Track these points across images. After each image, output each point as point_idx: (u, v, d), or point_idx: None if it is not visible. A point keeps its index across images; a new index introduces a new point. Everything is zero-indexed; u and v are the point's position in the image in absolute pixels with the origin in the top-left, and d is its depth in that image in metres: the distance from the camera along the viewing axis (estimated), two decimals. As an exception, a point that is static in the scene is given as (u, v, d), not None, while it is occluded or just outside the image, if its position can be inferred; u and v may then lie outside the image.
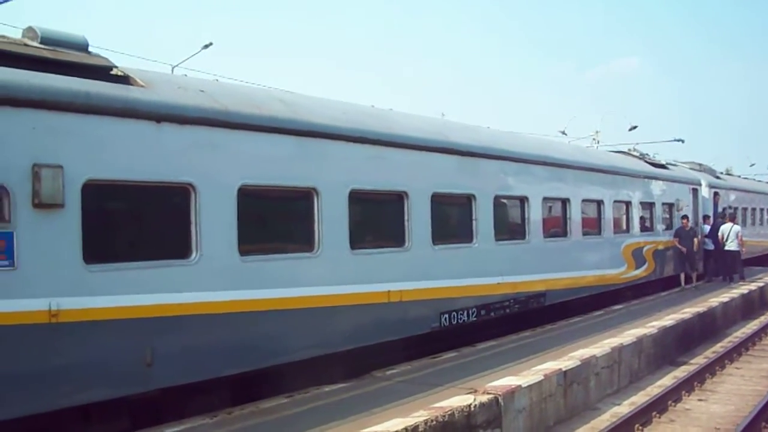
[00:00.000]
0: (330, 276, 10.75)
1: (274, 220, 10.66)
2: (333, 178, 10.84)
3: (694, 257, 24.33)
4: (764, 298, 24.96)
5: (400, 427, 7.96)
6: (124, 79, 8.68)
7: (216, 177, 9.20)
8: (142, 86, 8.67)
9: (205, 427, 8.41)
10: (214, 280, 9.15)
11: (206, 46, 33.04)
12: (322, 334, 10.64)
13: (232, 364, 9.33)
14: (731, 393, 13.09)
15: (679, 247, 23.33)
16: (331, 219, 10.69)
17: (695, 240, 23.93)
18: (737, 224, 25.63)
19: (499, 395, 9.47)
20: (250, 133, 9.70)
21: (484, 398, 9.26)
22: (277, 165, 10.13)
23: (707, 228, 26.26)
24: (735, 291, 22.60)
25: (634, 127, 41.51)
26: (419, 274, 12.47)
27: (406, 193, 12.18)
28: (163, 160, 8.69)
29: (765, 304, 24.55)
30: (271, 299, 9.80)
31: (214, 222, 9.10)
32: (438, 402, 9.08)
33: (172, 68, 27.96)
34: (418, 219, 12.36)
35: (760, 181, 48.35)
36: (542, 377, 10.60)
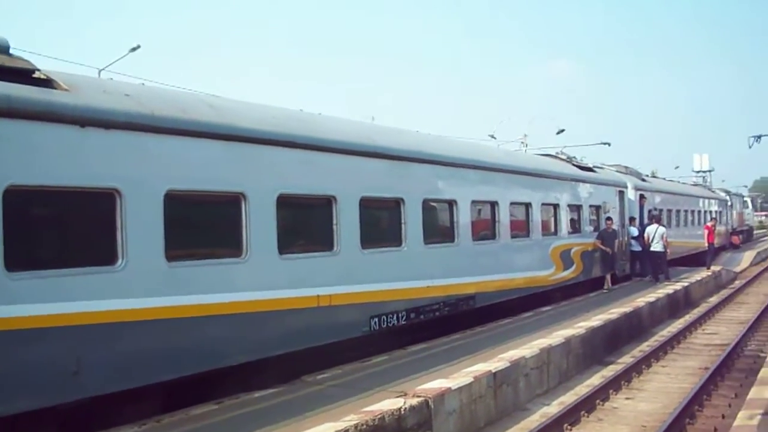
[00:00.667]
0: (259, 281, 10.78)
1: (202, 225, 10.64)
2: (261, 183, 10.89)
3: (615, 258, 24.94)
4: (689, 298, 25.76)
5: (330, 432, 8.04)
6: (47, 83, 8.59)
7: (142, 182, 9.18)
8: (65, 90, 8.60)
9: (133, 435, 8.42)
10: (141, 286, 9.13)
11: (133, 49, 32.64)
12: (252, 340, 10.68)
13: (161, 371, 9.30)
14: (658, 391, 13.50)
15: (602, 248, 23.84)
16: (260, 224, 10.73)
17: (616, 241, 24.48)
18: (663, 226, 26.28)
19: (429, 398, 9.63)
20: (177, 137, 9.71)
21: (415, 401, 9.41)
22: (204, 170, 10.14)
23: (634, 230, 26.90)
24: (661, 291, 23.24)
25: (562, 131, 42.37)
26: (349, 278, 12.58)
27: (334, 198, 12.27)
28: (87, 165, 8.64)
29: (690, 304, 25.36)
30: (200, 305, 9.80)
31: (141, 228, 9.08)
32: (369, 406, 9.20)
33: (99, 72, 27.53)
34: (347, 223, 12.46)
35: (684, 183, 49.61)
36: (472, 379, 10.78)
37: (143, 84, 11.36)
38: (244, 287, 10.53)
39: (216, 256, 10.33)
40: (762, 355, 15.87)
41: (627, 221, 27.69)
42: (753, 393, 10.95)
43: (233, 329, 10.31)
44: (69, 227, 8.89)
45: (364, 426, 8.43)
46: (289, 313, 11.22)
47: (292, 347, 11.32)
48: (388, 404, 9.23)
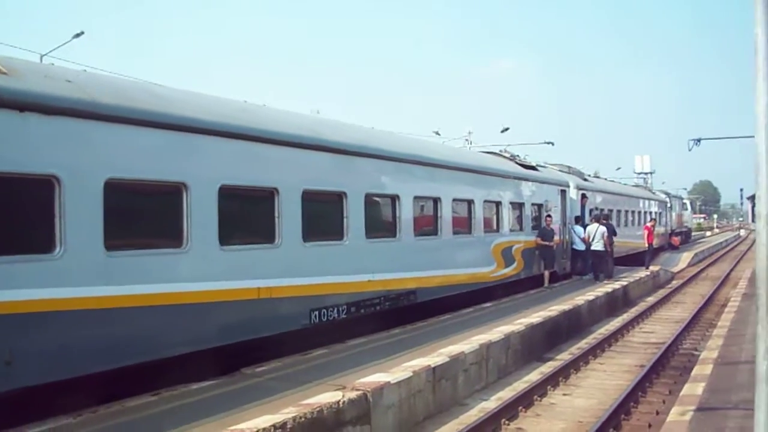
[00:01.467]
0: (199, 272, 10.79)
1: (143, 214, 10.61)
2: (203, 173, 10.89)
3: (555, 256, 25.41)
4: (628, 297, 26.36)
5: (268, 424, 8.16)
6: (-16, 66, 8.52)
7: (82, 170, 9.14)
8: (4, 73, 8.53)
9: (69, 426, 8.39)
10: (79, 275, 9.09)
11: (77, 35, 32.08)
12: (192, 331, 10.69)
13: (98, 361, 9.25)
14: (594, 387, 13.84)
15: (543, 243, 24.26)
16: (201, 214, 10.74)
17: (555, 239, 24.90)
18: (603, 225, 26.75)
19: (368, 391, 9.77)
20: (118, 125, 9.67)
21: (353, 394, 9.56)
22: (145, 159, 10.12)
23: (579, 228, 27.35)
24: (600, 290, 23.76)
25: (507, 129, 42.78)
26: (290, 270, 12.64)
27: (276, 190, 12.32)
28: (26, 150, 8.58)
29: (628, 303, 25.95)
30: (139, 295, 9.79)
31: (79, 216, 9.03)
32: (307, 399, 9.29)
33: (41, 57, 27.04)
34: (289, 216, 12.51)
35: (625, 184, 50.45)
36: (411, 373, 10.94)
37: (85, 71, 11.27)
38: (185, 278, 10.53)
39: (156, 246, 10.32)
40: (696, 353, 16.29)
41: (572, 220, 28.26)
42: (686, 390, 11.27)
43: (172, 320, 10.30)
44: (5, 214, 8.72)
45: (303, 419, 8.53)
46: (229, 304, 11.25)
47: (232, 339, 11.35)
48: (326, 397, 9.34)
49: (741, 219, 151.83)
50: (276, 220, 12.31)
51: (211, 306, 10.92)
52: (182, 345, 10.45)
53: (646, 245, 34.63)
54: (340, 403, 9.21)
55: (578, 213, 29.21)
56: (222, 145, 11.34)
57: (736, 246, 78.88)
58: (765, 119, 5.71)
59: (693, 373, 12.64)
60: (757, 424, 5.75)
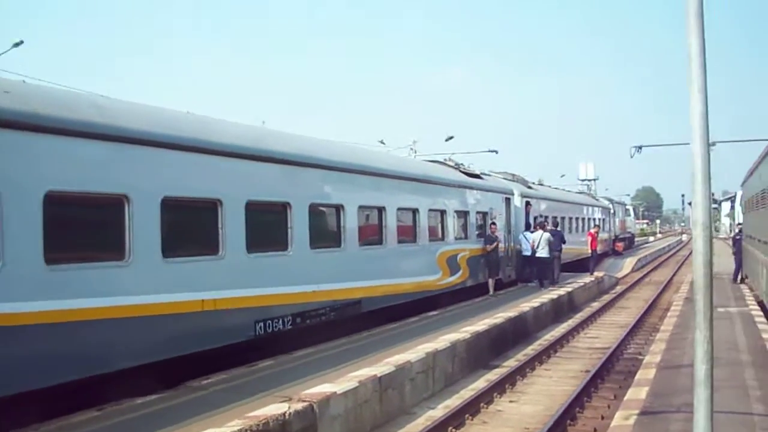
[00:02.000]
0: (142, 285, 10.74)
1: (84, 227, 10.53)
2: (146, 185, 10.87)
3: (500, 264, 25.73)
4: (573, 303, 26.77)
5: (214, 438, 8.15)
6: None
7: (21, 182, 9.07)
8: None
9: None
10: (18, 289, 8.98)
11: (17, 45, 31.50)
12: (136, 345, 10.62)
13: (40, 377, 9.16)
14: (540, 393, 14.05)
15: (488, 247, 24.55)
16: (143, 227, 10.70)
17: (500, 246, 25.17)
18: (549, 231, 27.11)
19: (315, 402, 9.82)
20: (59, 137, 9.62)
21: (299, 406, 9.59)
22: (87, 171, 10.06)
23: (529, 236, 27.62)
24: (546, 296, 24.11)
25: (451, 138, 43.04)
26: (234, 282, 12.63)
27: (220, 201, 12.32)
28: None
29: (573, 309, 26.36)
30: (81, 309, 9.70)
31: (19, 229, 8.94)
32: (253, 411, 9.30)
33: (-23, 68, 26.42)
34: (233, 227, 12.52)
35: (569, 191, 51.11)
36: (357, 383, 11.01)
37: (24, 81, 11.16)
38: (127, 291, 10.47)
39: (98, 259, 10.25)
40: (640, 357, 16.57)
41: (519, 227, 28.78)
42: (630, 394, 11.48)
43: (116, 334, 10.22)
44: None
45: (249, 431, 8.56)
46: (173, 317, 11.21)
47: (177, 352, 11.31)
48: (272, 409, 9.36)
49: (683, 224, 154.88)
50: (220, 231, 12.29)
51: (155, 319, 10.87)
52: (126, 359, 10.38)
53: (590, 251, 35.15)
54: (286, 414, 9.24)
55: (523, 220, 29.58)
56: (165, 156, 11.32)
57: (678, 251, 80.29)
58: (700, 128, 5.92)
59: (637, 377, 12.86)
60: (696, 426, 5.95)
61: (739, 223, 34.90)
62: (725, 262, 32.07)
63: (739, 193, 40.24)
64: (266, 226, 14.17)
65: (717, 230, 54.15)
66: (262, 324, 13.19)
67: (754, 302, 22.58)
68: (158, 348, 11.01)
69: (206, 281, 11.98)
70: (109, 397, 9.99)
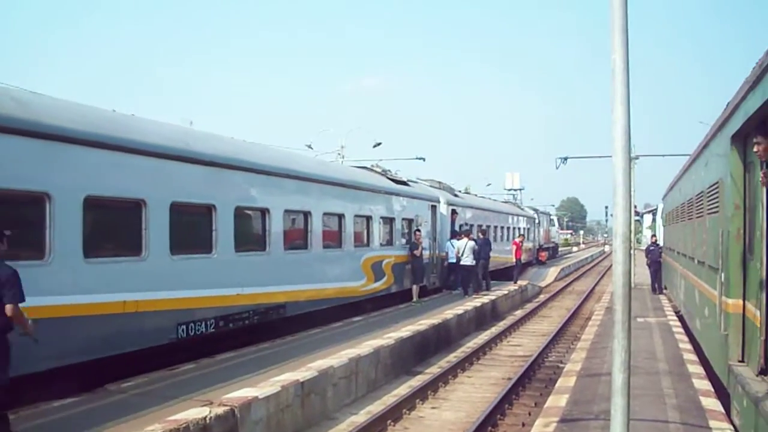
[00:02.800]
0: (62, 285, 10.64)
1: (3, 225, 10.35)
2: (67, 183, 10.78)
3: (423, 270, 25.98)
4: (496, 311, 27.14)
5: (132, 442, 8.15)
6: None
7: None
8: None
9: None
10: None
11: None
12: (54, 346, 10.38)
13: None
14: (462, 400, 14.26)
15: (415, 253, 24.84)
16: (65, 226, 10.63)
17: (425, 253, 25.33)
18: (473, 240, 27.44)
19: (236, 407, 9.86)
20: (-24, 132, 9.46)
21: (220, 410, 9.62)
22: (5, 168, 9.92)
23: (455, 243, 27.82)
24: (469, 304, 24.41)
25: (379, 144, 43.19)
26: (157, 284, 12.59)
27: (144, 201, 12.28)
28: None
29: (497, 316, 26.73)
30: (-3, 309, 9.54)
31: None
32: (173, 415, 9.31)
33: None
34: (157, 228, 12.48)
35: (495, 200, 51.72)
36: (280, 388, 11.08)
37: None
38: (47, 291, 10.30)
39: (16, 258, 10.02)
40: (561, 365, 16.93)
41: (448, 235, 29.18)
42: (550, 401, 11.69)
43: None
44: None
45: (168, 435, 8.56)
46: (93, 319, 11.12)
47: (96, 354, 11.24)
48: (193, 413, 9.37)
49: (606, 235, 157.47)
50: (143, 232, 12.25)
51: (75, 320, 10.77)
52: (43, 361, 10.19)
53: (515, 260, 35.65)
54: (207, 419, 9.26)
55: (448, 228, 29.89)
56: (88, 154, 11.24)
57: (600, 261, 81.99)
58: (622, 141, 6.12)
59: (557, 385, 13.10)
60: (613, 433, 6.13)
61: (653, 235, 35.79)
62: (647, 273, 32.82)
63: (660, 207, 41.22)
64: (191, 228, 14.12)
65: (639, 242, 55.36)
66: (184, 327, 13.15)
67: (672, 313, 23.19)
68: (77, 350, 10.91)
69: (128, 282, 11.90)
70: (25, 400, 9.85)
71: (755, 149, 8.63)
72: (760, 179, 8.55)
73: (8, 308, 7.75)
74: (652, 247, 31.88)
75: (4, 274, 7.84)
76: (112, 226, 12.42)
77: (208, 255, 14.07)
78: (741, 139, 9.74)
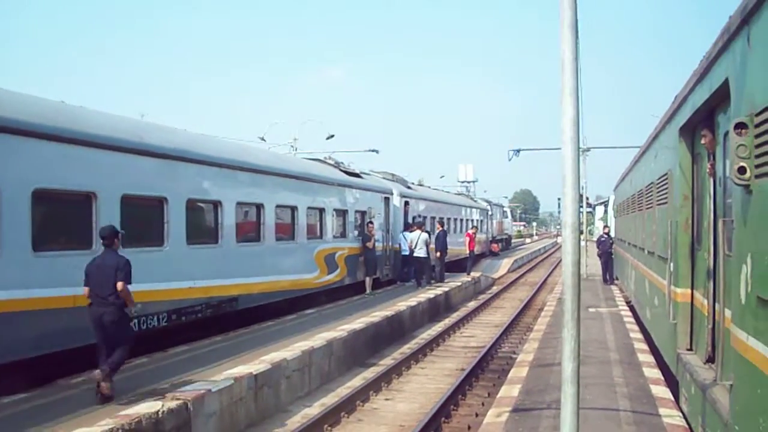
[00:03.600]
0: (10, 279, 10.54)
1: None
2: (15, 176, 10.70)
3: (375, 262, 26.19)
4: (450, 302, 27.38)
5: (84, 437, 8.12)
6: None
7: None
8: None
9: None
10: None
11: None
12: (2, 341, 10.38)
13: None
14: (416, 392, 14.41)
15: (367, 246, 25.01)
16: (12, 219, 10.56)
17: (367, 244, 25.47)
18: (426, 232, 27.60)
19: (189, 400, 9.89)
20: None
21: (173, 404, 9.65)
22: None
23: (408, 235, 28.01)
24: (422, 295, 24.61)
25: (332, 136, 43.14)
26: (108, 277, 12.43)
27: (94, 194, 12.22)
28: None
29: (450, 308, 26.97)
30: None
31: None
32: (125, 410, 9.30)
33: None
34: (107, 220, 12.25)
35: (448, 192, 51.95)
36: (233, 381, 11.14)
37: None
38: (-4, 285, 10.24)
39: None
40: (514, 356, 17.14)
41: (401, 227, 29.43)
42: (502, 392, 11.88)
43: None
44: None
45: (120, 430, 8.57)
46: (43, 313, 11.05)
47: (47, 349, 11.17)
48: (145, 407, 9.38)
49: (558, 227, 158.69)
50: (93, 225, 12.15)
51: (24, 315, 10.70)
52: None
53: (468, 252, 35.87)
54: (160, 413, 9.28)
55: (402, 220, 30.02)
56: (36, 146, 11.14)
57: (553, 252, 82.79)
58: (570, 132, 6.22)
59: (510, 375, 13.29)
60: (563, 421, 6.23)
61: (606, 226, 36.21)
62: (598, 263, 33.21)
63: (612, 198, 41.71)
64: (142, 220, 14.03)
65: (591, 233, 55.90)
66: (136, 320, 13.06)
67: (623, 303, 23.57)
68: (27, 345, 10.84)
69: (79, 276, 11.78)
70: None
71: (702, 141, 8.83)
72: (707, 170, 8.75)
73: (119, 285, 9.99)
74: (603, 238, 32.29)
75: (121, 260, 10.16)
76: (63, 219, 12.34)
77: (159, 248, 14.05)
78: (689, 131, 9.93)
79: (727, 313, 6.91)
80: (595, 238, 44.42)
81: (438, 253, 28.86)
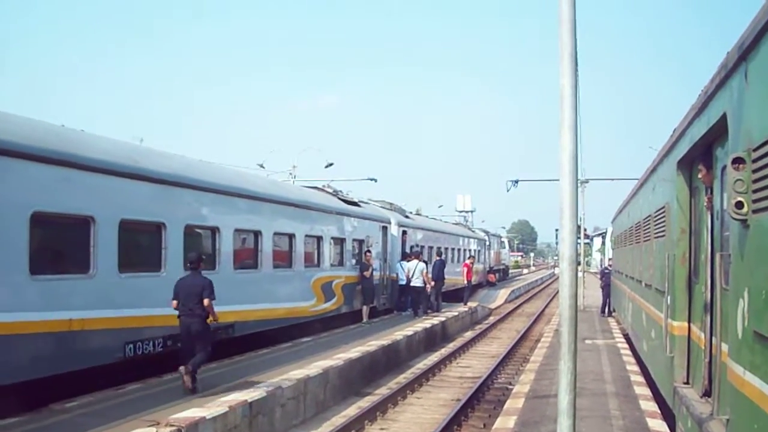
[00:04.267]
0: (7, 301, 10.53)
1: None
2: (12, 199, 10.70)
3: (373, 291, 26.16)
4: (446, 332, 27.32)
5: (76, 462, 8.12)
6: None
7: None
8: None
9: None
10: None
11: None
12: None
13: None
14: (411, 422, 14.36)
15: (364, 275, 25.03)
16: (9, 242, 10.54)
17: (375, 274, 25.43)
18: (423, 261, 27.61)
19: (183, 427, 9.85)
20: None
21: (167, 430, 9.62)
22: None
23: (405, 265, 27.96)
24: (419, 325, 24.51)
25: (331, 164, 43.23)
26: (104, 302, 12.50)
27: (92, 218, 12.22)
28: None
29: (446, 338, 26.90)
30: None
31: None
32: (119, 435, 9.21)
33: None
34: (106, 245, 12.41)
35: (446, 222, 52.01)
36: (227, 408, 11.08)
37: None
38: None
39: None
40: (510, 387, 17.08)
41: (399, 256, 29.37)
42: (498, 423, 11.84)
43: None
44: None
45: (113, 455, 8.53)
46: (38, 336, 11.02)
47: (41, 373, 11.11)
48: (138, 434, 9.29)
49: (556, 258, 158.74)
50: (91, 249, 12.18)
51: (20, 338, 10.67)
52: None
53: (466, 282, 35.85)
54: (154, 439, 9.21)
55: (399, 249, 30.04)
56: (34, 169, 11.16)
57: (550, 283, 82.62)
58: (569, 165, 6.25)
59: (506, 406, 13.25)
60: (559, 454, 6.22)
61: (610, 258, 36.23)
62: (595, 295, 33.23)
63: (610, 230, 41.77)
64: (140, 245, 14.12)
65: (588, 264, 55.92)
66: (132, 345, 13.08)
67: (620, 335, 23.54)
68: (21, 368, 10.78)
69: (76, 300, 11.82)
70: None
71: (699, 175, 8.87)
72: (705, 204, 8.77)
73: (206, 301, 12.18)
74: (607, 270, 32.27)
75: (206, 281, 12.41)
76: (60, 243, 12.38)
77: (156, 273, 14.02)
78: (687, 165, 9.97)
79: (724, 347, 6.90)
80: (592, 270, 44.57)
81: (433, 283, 28.71)
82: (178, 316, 12.30)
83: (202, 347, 12.39)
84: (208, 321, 12.42)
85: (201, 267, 12.77)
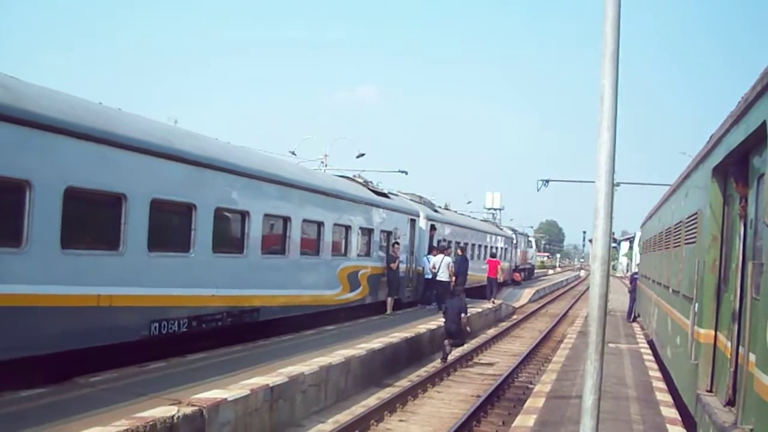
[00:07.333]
0: (37, 274, 10.60)
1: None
2: (48, 173, 10.75)
3: (398, 283, 26.14)
4: (469, 328, 27.03)
5: (98, 437, 8.13)
6: None
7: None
8: None
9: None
10: None
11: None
12: (25, 335, 10.44)
13: None
14: (430, 415, 14.31)
15: (391, 267, 24.97)
16: (43, 215, 10.60)
17: (402, 266, 25.36)
18: (449, 256, 27.51)
19: (204, 407, 9.87)
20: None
21: (188, 410, 9.64)
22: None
23: (431, 258, 27.86)
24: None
25: (362, 155, 43.27)
26: (132, 279, 12.56)
27: (124, 196, 12.27)
28: None
29: (469, 334, 26.61)
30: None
31: None
32: (141, 412, 9.30)
33: None
34: (136, 223, 12.46)
35: (474, 218, 51.87)
36: (249, 392, 11.10)
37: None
38: (21, 279, 10.32)
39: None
40: (531, 386, 17.02)
41: (426, 249, 29.27)
42: (518, 421, 11.73)
43: (4, 322, 10.06)
44: None
45: (135, 432, 8.54)
46: (66, 310, 11.10)
47: (67, 346, 11.19)
48: (160, 411, 9.38)
49: (582, 260, 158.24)
50: (122, 226, 12.23)
51: (48, 310, 10.75)
52: (13, 349, 10.18)
53: (491, 279, 35.70)
54: (174, 418, 9.27)
55: (426, 243, 29.97)
56: (71, 145, 11.21)
57: (575, 285, 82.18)
58: (606, 166, 6.19)
59: (526, 405, 13.15)
60: (581, 454, 6.17)
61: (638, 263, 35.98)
62: (621, 299, 32.97)
63: (638, 234, 41.47)
64: (169, 225, 14.11)
65: (614, 268, 55.62)
66: (157, 324, 13.13)
67: (644, 340, 23.34)
68: (48, 341, 10.87)
69: (104, 276, 11.88)
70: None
71: (734, 183, 8.78)
72: (738, 212, 8.68)
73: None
74: (636, 275, 31.99)
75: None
76: (92, 219, 12.39)
77: (185, 254, 14.07)
78: (722, 172, 9.87)
79: (751, 357, 6.83)
80: (618, 274, 44.30)
81: (454, 278, 28.53)
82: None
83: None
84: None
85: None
